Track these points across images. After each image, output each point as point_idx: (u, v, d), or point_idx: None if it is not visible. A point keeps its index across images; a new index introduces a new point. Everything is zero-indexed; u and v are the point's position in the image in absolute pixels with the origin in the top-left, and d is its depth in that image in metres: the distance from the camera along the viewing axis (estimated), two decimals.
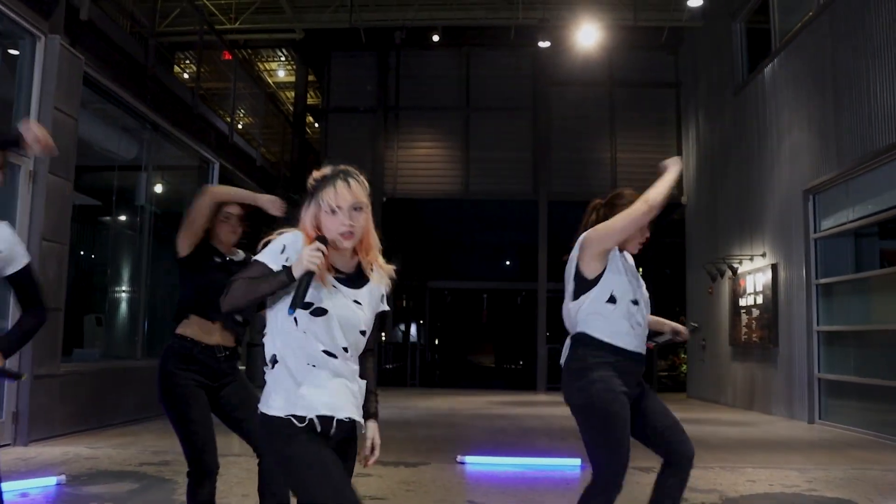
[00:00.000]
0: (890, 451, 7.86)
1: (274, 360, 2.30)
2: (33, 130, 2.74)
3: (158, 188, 11.04)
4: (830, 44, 10.07)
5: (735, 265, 13.36)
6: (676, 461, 3.16)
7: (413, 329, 24.65)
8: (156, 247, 10.38)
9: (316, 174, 2.43)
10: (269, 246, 2.35)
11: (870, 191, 9.39)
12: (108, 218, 11.56)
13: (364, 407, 2.40)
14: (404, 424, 9.58)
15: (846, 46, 9.62)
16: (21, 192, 6.92)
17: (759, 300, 12.25)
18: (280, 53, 19.81)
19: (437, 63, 17.82)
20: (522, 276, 18.12)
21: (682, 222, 17.00)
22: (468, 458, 6.51)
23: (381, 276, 2.47)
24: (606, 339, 3.10)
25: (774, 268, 11.71)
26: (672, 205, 17.25)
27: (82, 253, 11.55)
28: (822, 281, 10.47)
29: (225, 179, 12.41)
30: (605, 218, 3.22)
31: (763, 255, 12.23)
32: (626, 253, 3.30)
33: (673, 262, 17.68)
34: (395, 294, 25.09)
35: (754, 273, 12.52)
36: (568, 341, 3.22)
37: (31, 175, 7.00)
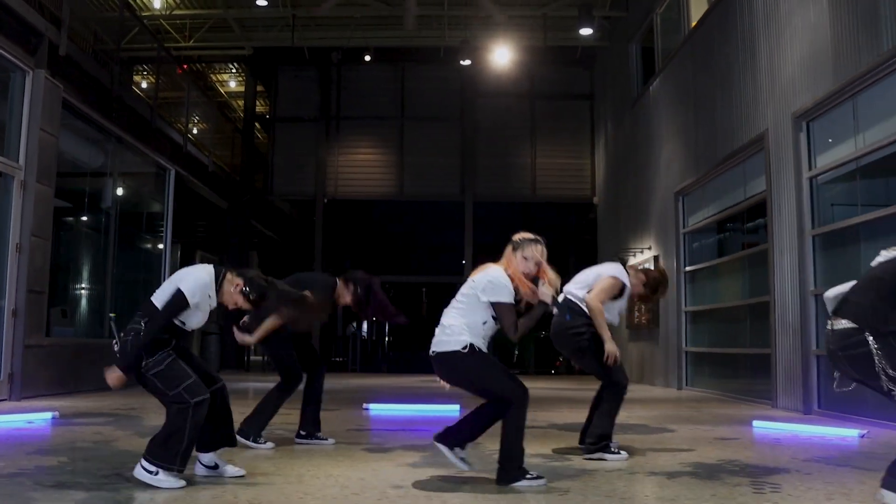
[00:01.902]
0: (718, 403, 9.85)
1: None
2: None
3: (121, 192, 12.60)
4: (691, 70, 12.07)
5: (628, 257, 15.33)
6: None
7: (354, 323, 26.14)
8: (119, 243, 11.97)
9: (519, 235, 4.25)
10: (508, 291, 4.06)
11: (717, 193, 11.39)
12: (76, 218, 13.08)
13: None
14: (331, 393, 11.33)
15: (702, 72, 11.61)
16: (14, 197, 8.55)
17: None
18: (231, 66, 21.37)
19: (375, 77, 19.58)
20: (453, 271, 19.90)
21: (595, 221, 19.00)
22: (371, 406, 8.31)
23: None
24: None
25: (656, 259, 13.70)
26: (587, 205, 19.32)
27: (55, 250, 13.06)
28: (689, 269, 12.47)
29: (180, 183, 14.01)
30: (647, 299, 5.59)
31: (649, 248, 14.22)
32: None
33: (589, 259, 19.61)
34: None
35: (643, 264, 14.49)
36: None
37: (22, 184, 8.63)
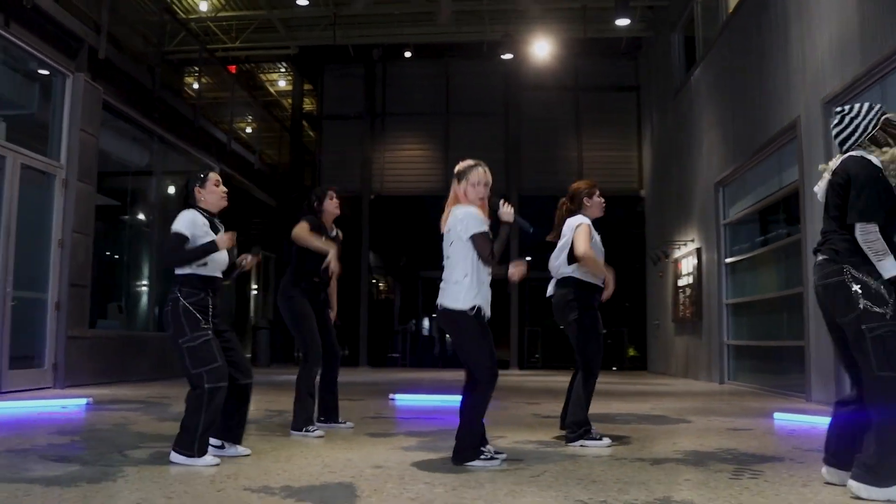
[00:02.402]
0: (753, 396, 9.70)
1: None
2: None
3: (167, 190, 13.03)
4: (728, 58, 11.87)
5: (672, 251, 15.16)
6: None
7: (413, 320, 26.41)
8: (164, 241, 12.36)
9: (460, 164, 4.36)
10: (477, 220, 4.16)
11: (755, 183, 11.19)
12: (126, 217, 13.58)
13: None
14: (369, 385, 11.51)
15: (739, 60, 11.41)
16: (56, 195, 8.95)
17: (690, 280, 14.05)
18: (279, 66, 21.79)
19: (419, 73, 19.74)
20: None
21: (643, 214, 18.80)
22: (398, 396, 8.44)
23: None
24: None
25: (699, 251, 13.51)
26: (634, 198, 19.11)
27: (105, 248, 13.57)
28: (729, 260, 12.27)
29: (225, 181, 14.35)
30: (572, 213, 5.26)
31: (692, 241, 14.03)
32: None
33: (637, 252, 19.41)
34: (390, 284, 26.97)
35: (687, 257, 14.31)
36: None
37: (64, 182, 9.02)
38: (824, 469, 3.69)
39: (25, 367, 8.46)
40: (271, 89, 22.83)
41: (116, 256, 12.83)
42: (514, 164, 19.25)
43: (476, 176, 4.28)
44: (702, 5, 13.87)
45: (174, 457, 4.05)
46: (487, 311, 4.22)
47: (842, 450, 3.58)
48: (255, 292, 27.72)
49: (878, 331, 3.36)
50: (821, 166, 3.82)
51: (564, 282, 5.22)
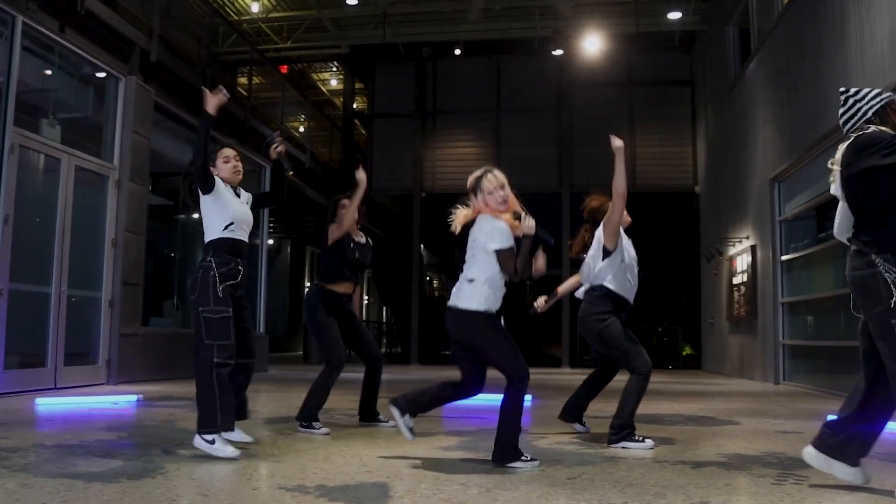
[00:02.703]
0: (816, 398, 9.44)
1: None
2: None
3: None
4: (784, 51, 11.56)
5: (726, 248, 14.84)
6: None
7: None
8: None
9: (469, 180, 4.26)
10: (503, 235, 4.09)
11: (813, 178, 10.87)
12: (180, 216, 13.85)
13: None
14: (420, 383, 11.53)
15: (794, 52, 11.11)
16: (110, 196, 9.16)
17: (745, 278, 13.74)
18: (331, 65, 21.99)
19: (469, 70, 19.70)
20: (552, 263, 19.70)
21: (698, 211, 18.45)
22: None
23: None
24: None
25: (753, 248, 13.20)
26: (689, 195, 18.77)
27: (161, 246, 13.87)
28: (785, 258, 11.96)
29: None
30: (593, 229, 5.33)
31: (747, 238, 13.71)
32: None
33: (692, 249, 19.08)
34: (442, 281, 26.97)
35: (742, 254, 14.00)
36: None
37: (117, 183, 9.24)
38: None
39: (80, 363, 8.68)
40: (323, 88, 23.06)
41: (172, 255, 13.10)
42: (566, 161, 19.09)
43: (488, 184, 4.21)
44: None
45: (197, 441, 4.17)
46: (498, 305, 4.21)
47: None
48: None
49: None
50: (829, 162, 3.66)
51: (592, 290, 5.20)
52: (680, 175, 18.82)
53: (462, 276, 4.24)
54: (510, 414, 4.10)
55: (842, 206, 3.67)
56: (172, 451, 4.42)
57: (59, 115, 8.91)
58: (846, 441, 3.58)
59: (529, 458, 4.09)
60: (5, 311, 7.36)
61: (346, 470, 3.97)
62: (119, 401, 7.12)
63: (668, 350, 21.03)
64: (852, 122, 3.57)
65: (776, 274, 12.06)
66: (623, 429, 4.88)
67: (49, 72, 8.78)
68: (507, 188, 4.24)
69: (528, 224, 4.16)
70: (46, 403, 6.74)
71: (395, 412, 4.25)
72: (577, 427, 5.53)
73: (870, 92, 3.61)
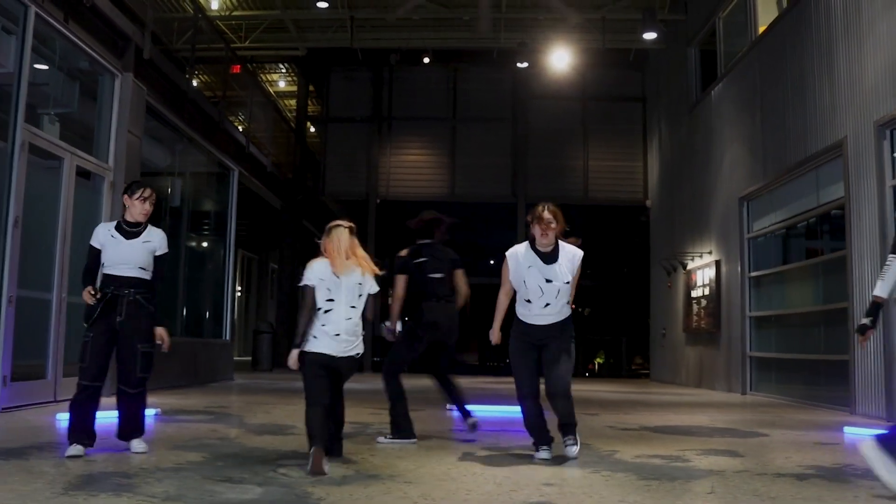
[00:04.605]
0: (791, 408, 9.86)
1: None
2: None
3: (189, 192, 12.82)
4: (758, 75, 12.05)
5: (687, 261, 15.33)
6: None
7: (398, 323, 26.24)
8: (188, 240, 12.20)
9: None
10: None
11: (786, 199, 11.37)
12: (167, 221, 13.32)
13: None
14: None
15: (769, 79, 11.60)
16: (104, 198, 8.76)
17: (707, 292, 14.22)
18: (281, 66, 21.60)
19: (427, 78, 19.74)
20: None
21: (647, 224, 18.98)
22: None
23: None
24: None
25: (718, 263, 13.68)
26: (638, 208, 19.29)
27: None
28: (753, 274, 12.45)
29: (241, 185, 14.25)
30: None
31: (710, 253, 14.20)
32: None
33: (640, 261, 19.60)
34: (385, 287, 26.80)
35: (703, 268, 14.49)
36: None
37: (112, 185, 8.84)
38: None
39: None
40: (271, 90, 22.62)
41: None
42: (520, 172, 19.34)
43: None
44: (724, 21, 14.07)
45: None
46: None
47: None
48: (239, 294, 27.46)
49: None
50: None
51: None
52: (631, 189, 19.34)
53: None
54: None
55: None
56: (287, 473, 4.27)
57: (54, 111, 8.48)
58: None
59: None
60: (13, 319, 6.95)
61: (486, 489, 3.93)
62: None
63: (614, 360, 21.56)
64: None
65: (744, 289, 12.54)
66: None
67: (45, 66, 8.33)
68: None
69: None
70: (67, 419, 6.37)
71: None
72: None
73: None
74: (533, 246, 4.98)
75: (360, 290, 4.76)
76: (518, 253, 5.02)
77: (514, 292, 5.06)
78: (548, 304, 4.94)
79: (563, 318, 5.04)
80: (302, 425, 4.56)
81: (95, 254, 4.87)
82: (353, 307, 4.71)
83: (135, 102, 9.24)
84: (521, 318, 5.08)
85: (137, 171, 9.49)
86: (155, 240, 4.98)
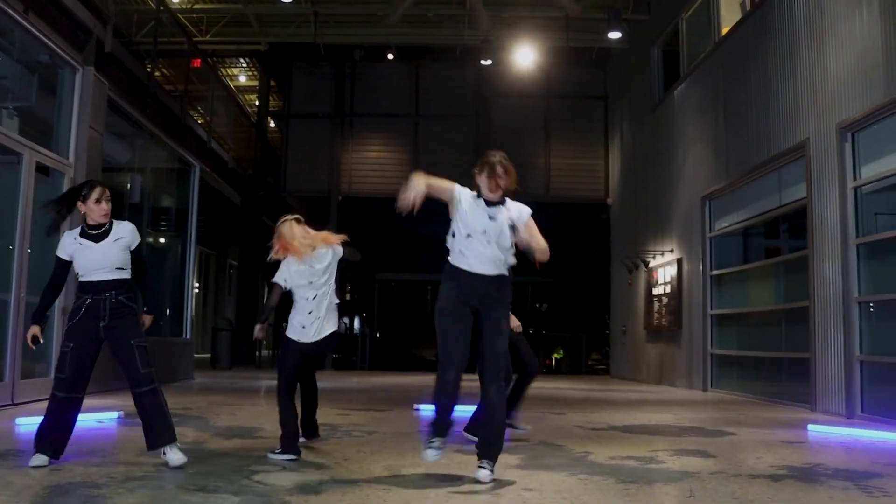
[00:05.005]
0: (753, 405, 10.02)
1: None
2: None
3: (149, 188, 12.57)
4: (721, 77, 12.21)
5: (649, 259, 15.48)
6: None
7: (356, 320, 26.02)
8: (149, 237, 11.96)
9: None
10: None
11: (748, 199, 11.53)
12: (127, 216, 13.03)
13: None
14: (365, 391, 11.40)
15: (732, 80, 11.75)
16: None
17: (668, 290, 14.38)
18: (242, 61, 21.31)
19: (390, 75, 19.62)
20: None
21: (608, 221, 19.13)
22: (422, 406, 8.37)
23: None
24: None
25: (679, 262, 13.83)
26: (599, 205, 19.42)
27: None
28: (715, 272, 12.61)
29: (202, 181, 14.01)
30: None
31: (671, 251, 14.35)
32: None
33: (600, 259, 19.75)
34: (343, 285, 26.65)
35: (664, 266, 14.64)
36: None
37: (72, 181, 8.60)
38: None
39: (34, 376, 8.05)
40: (231, 84, 22.32)
41: None
42: None
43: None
44: (687, 21, 14.22)
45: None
46: None
47: None
48: (197, 291, 27.06)
49: None
50: None
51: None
52: (591, 187, 19.46)
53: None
54: None
55: None
56: (262, 480, 4.20)
57: (9, 105, 8.23)
58: None
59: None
60: None
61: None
62: (104, 419, 6.66)
63: (573, 357, 21.71)
64: None
65: (706, 287, 12.70)
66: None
67: (3, 59, 8.09)
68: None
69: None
70: (27, 424, 6.19)
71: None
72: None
73: None
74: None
75: (331, 268, 5.17)
76: (464, 189, 4.45)
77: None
78: (489, 244, 4.29)
79: (503, 272, 4.39)
80: (270, 427, 4.49)
81: (63, 265, 4.70)
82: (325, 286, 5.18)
83: (96, 97, 9.02)
84: (455, 265, 4.37)
85: (99, 167, 9.29)
86: (126, 234, 4.76)
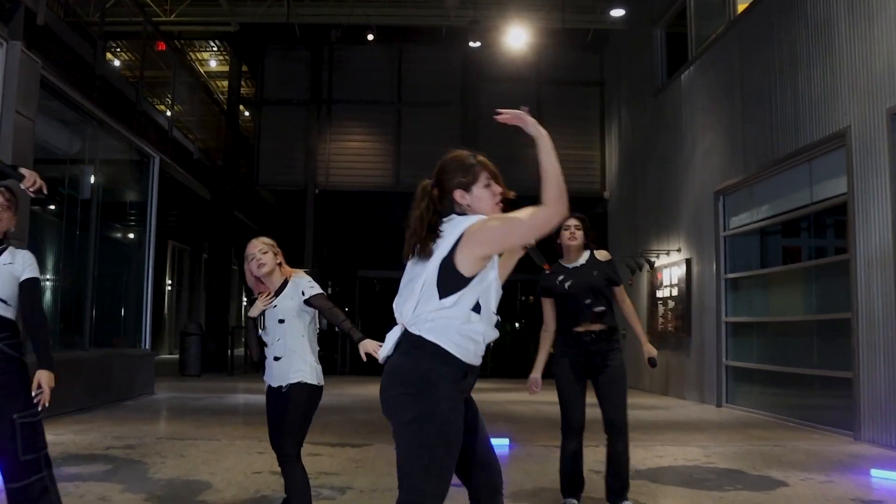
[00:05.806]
0: (782, 429, 8.86)
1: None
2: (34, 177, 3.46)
3: (101, 181, 11.23)
4: (738, 58, 11.00)
5: (653, 259, 14.29)
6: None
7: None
8: (101, 238, 10.63)
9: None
10: None
11: (771, 194, 10.36)
12: (52, 210, 11.69)
13: None
14: (345, 409, 10.13)
15: (752, 62, 10.54)
16: None
17: (675, 292, 13.21)
18: (213, 44, 19.89)
19: (370, 58, 18.26)
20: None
21: (604, 216, 17.93)
22: None
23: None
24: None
25: (688, 262, 12.66)
26: (595, 199, 18.21)
27: (34, 250, 11.64)
28: (730, 276, 11.44)
29: (163, 173, 12.68)
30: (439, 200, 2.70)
31: (678, 251, 13.17)
32: None
33: None
34: (324, 282, 25.40)
35: (670, 267, 13.46)
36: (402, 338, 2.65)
37: None
38: None
39: None
40: (202, 69, 20.89)
41: (59, 263, 11.01)
42: None
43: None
44: (696, 1, 12.99)
45: None
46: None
47: None
48: (170, 288, 25.68)
49: None
50: None
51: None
52: (587, 178, 18.24)
53: None
54: None
55: None
56: None
57: None
58: None
59: None
60: None
61: None
62: None
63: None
64: None
65: (720, 292, 11.52)
66: None
67: None
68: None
69: None
70: None
71: None
72: None
73: None
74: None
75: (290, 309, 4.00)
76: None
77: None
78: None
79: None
80: (222, 478, 3.23)
81: None
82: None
83: (25, 77, 7.66)
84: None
85: (30, 157, 7.95)
86: (18, 261, 3.50)
